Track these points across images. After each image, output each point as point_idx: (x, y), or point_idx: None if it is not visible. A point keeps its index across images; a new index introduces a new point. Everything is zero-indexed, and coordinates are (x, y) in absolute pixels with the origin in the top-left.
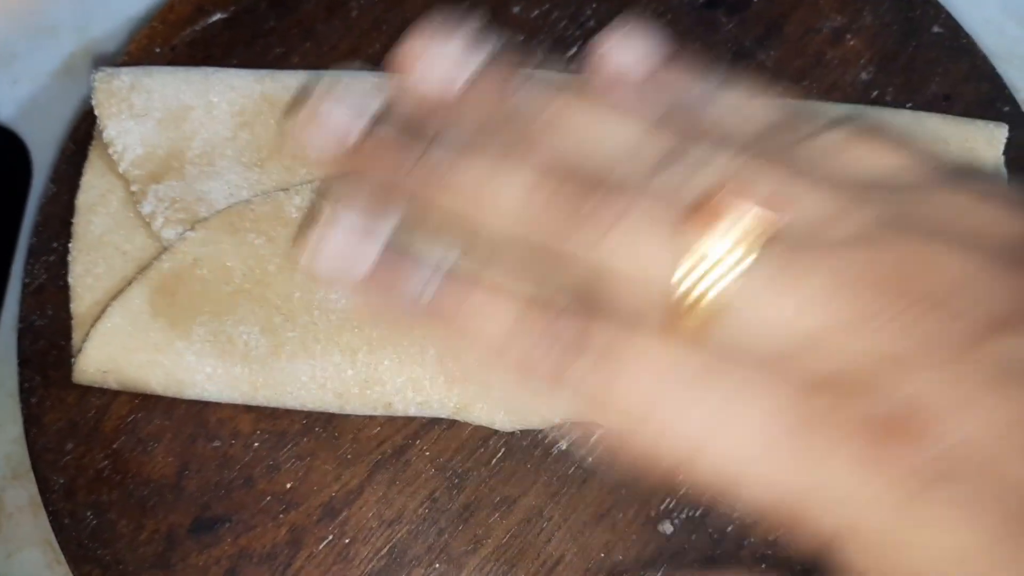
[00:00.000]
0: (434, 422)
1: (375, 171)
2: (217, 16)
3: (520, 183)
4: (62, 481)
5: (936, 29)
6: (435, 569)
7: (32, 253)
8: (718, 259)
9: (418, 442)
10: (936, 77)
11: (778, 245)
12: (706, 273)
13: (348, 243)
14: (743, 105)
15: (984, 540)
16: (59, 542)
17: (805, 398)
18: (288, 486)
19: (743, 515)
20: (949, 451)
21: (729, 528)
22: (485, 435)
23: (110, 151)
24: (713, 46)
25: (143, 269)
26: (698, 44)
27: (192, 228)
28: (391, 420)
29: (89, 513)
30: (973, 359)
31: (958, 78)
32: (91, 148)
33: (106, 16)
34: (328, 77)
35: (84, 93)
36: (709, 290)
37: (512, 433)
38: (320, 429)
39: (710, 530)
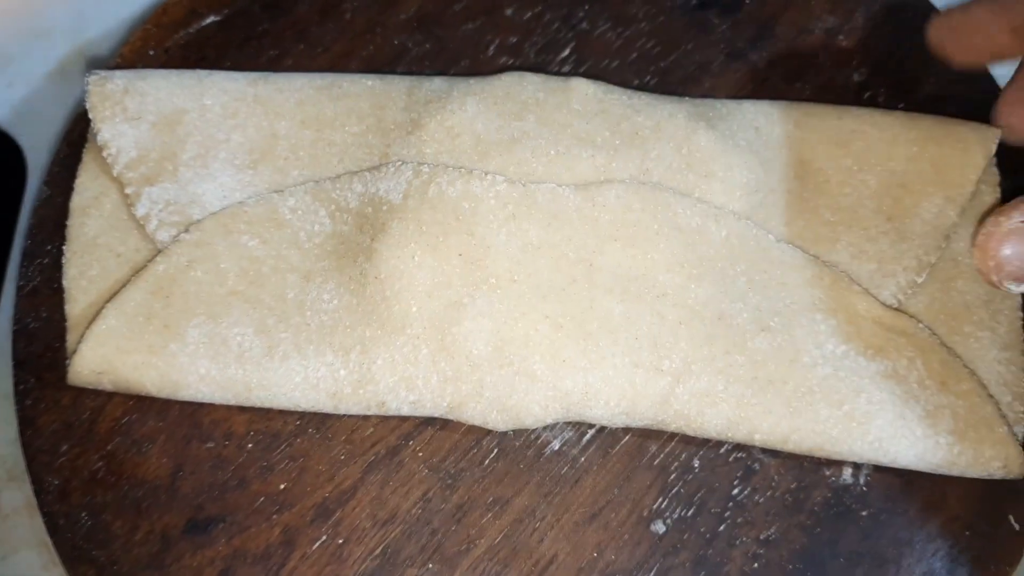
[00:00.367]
0: (427, 423)
1: None
2: (210, 19)
3: None
4: (57, 483)
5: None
6: (428, 569)
7: (26, 256)
8: None
9: (411, 443)
10: (928, 78)
11: None
12: None
13: None
14: None
15: None
16: (54, 543)
17: None
18: (282, 487)
19: (733, 514)
20: None
21: (721, 528)
22: (478, 435)
23: (104, 154)
24: (706, 47)
25: (137, 271)
26: (691, 45)
27: (186, 230)
28: (384, 421)
29: (84, 514)
30: None
31: (950, 79)
32: (85, 151)
33: (100, 19)
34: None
35: (78, 95)
36: None
37: (505, 433)
38: (313, 430)
39: (702, 529)
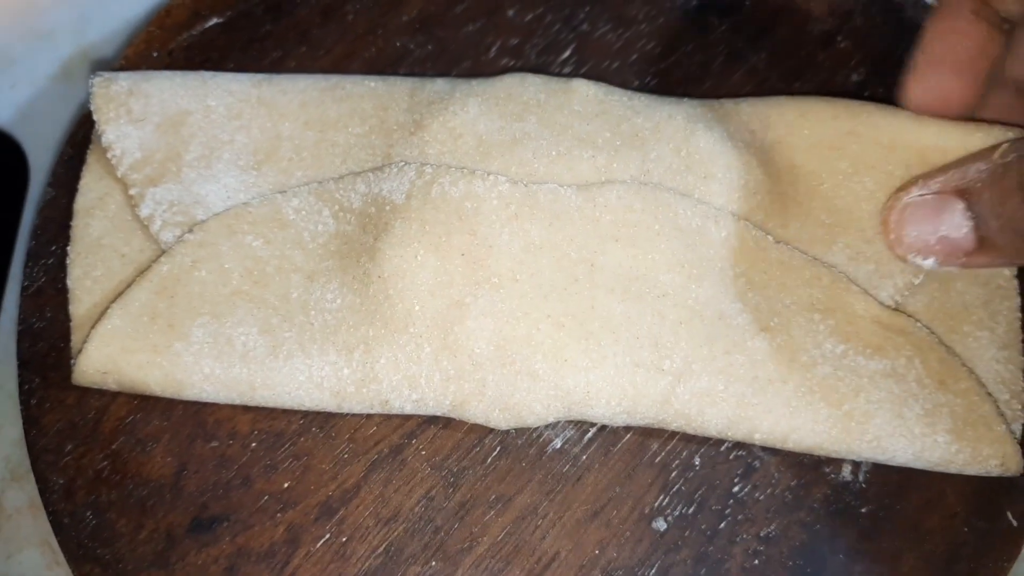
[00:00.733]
0: (430, 421)
1: None
2: (214, 21)
3: None
4: (61, 482)
5: None
6: (431, 567)
7: (31, 256)
8: None
9: (414, 441)
10: None
11: None
12: None
13: None
14: None
15: None
16: (59, 542)
17: None
18: (286, 485)
19: (735, 511)
20: None
21: (722, 525)
22: (480, 434)
23: (108, 155)
24: (706, 48)
25: (142, 271)
26: (691, 46)
27: (190, 231)
28: (387, 420)
29: (88, 513)
30: None
31: None
32: (89, 152)
33: (103, 21)
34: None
35: (82, 97)
36: None
37: (507, 432)
38: (317, 429)
39: (703, 526)
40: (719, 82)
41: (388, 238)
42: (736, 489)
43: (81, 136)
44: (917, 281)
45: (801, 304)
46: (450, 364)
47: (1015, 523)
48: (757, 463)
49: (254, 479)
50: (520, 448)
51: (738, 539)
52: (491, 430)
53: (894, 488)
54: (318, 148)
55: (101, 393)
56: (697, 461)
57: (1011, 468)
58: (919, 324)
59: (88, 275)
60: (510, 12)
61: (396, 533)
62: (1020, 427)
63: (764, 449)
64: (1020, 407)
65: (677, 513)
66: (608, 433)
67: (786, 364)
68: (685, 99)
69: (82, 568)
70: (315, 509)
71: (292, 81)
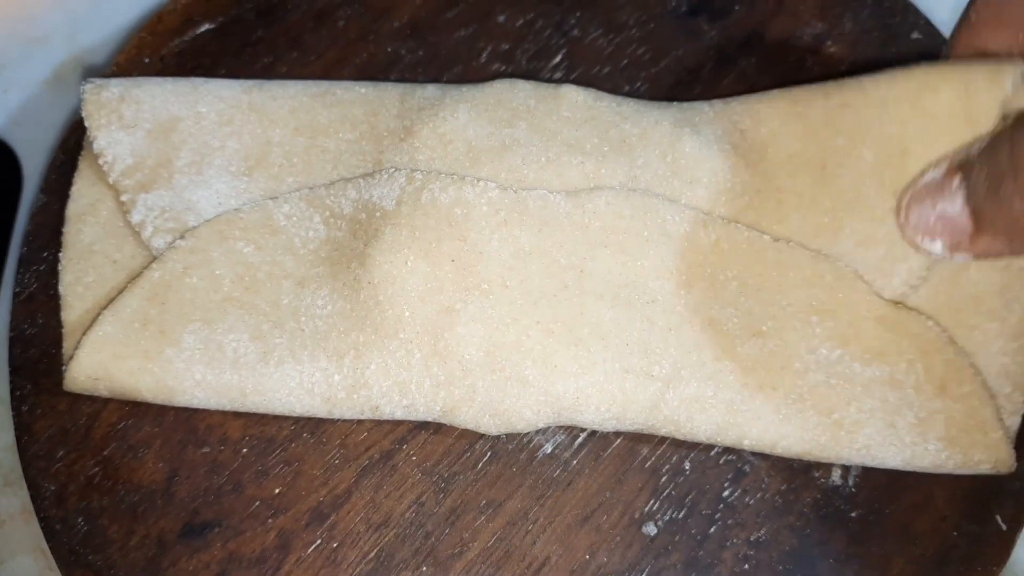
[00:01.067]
0: (420, 427)
1: None
2: (205, 27)
3: None
4: (53, 488)
5: (915, 35)
6: (422, 572)
7: (23, 262)
8: None
9: (405, 447)
10: None
11: None
12: None
13: None
14: None
15: None
16: (50, 548)
17: None
18: (277, 491)
19: (724, 516)
20: None
21: (712, 529)
22: (471, 439)
23: (100, 161)
24: (696, 53)
25: (133, 278)
26: (681, 51)
27: (181, 237)
28: (378, 425)
29: (80, 519)
30: None
31: None
32: (81, 158)
33: (96, 26)
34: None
35: (74, 102)
36: None
37: (498, 437)
38: (308, 435)
39: (693, 531)
40: (709, 87)
41: (378, 244)
42: (726, 494)
43: (73, 142)
44: (930, 265)
45: (799, 305)
46: (440, 370)
47: (1004, 527)
48: (747, 468)
49: (245, 485)
50: (511, 453)
51: (728, 544)
52: (482, 435)
53: (883, 492)
54: (309, 154)
55: (93, 399)
56: (687, 466)
57: (1002, 469)
58: (928, 322)
59: (80, 281)
60: (501, 18)
61: (387, 539)
62: (1019, 419)
63: (754, 454)
64: (1022, 399)
65: (667, 518)
66: (598, 438)
67: (777, 370)
68: (674, 104)
69: (74, 574)
70: (306, 515)
71: (283, 87)
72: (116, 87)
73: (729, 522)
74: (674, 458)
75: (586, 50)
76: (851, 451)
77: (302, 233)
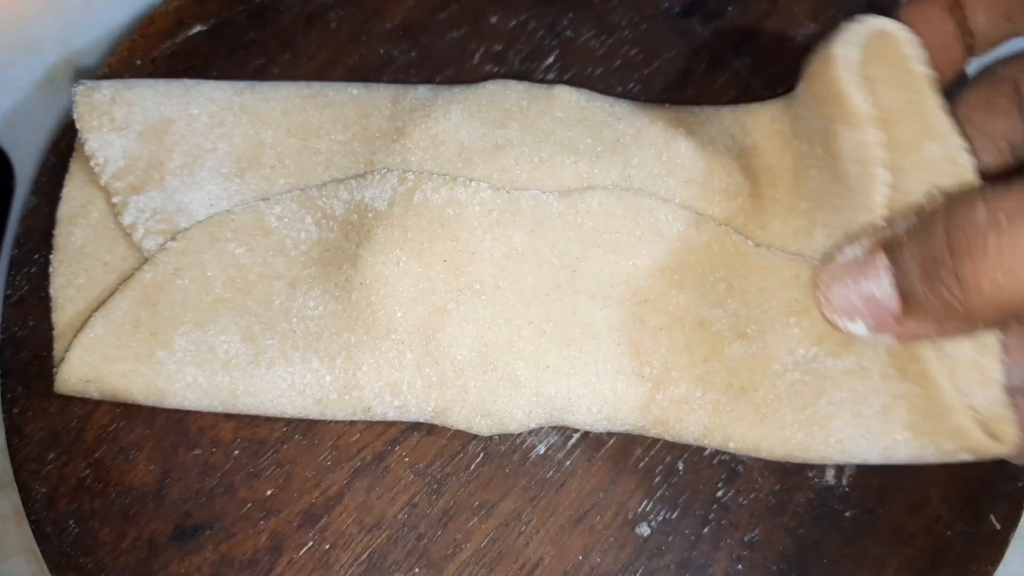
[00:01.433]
0: (413, 428)
1: None
2: (197, 28)
3: None
4: (44, 490)
5: None
6: (415, 574)
7: (13, 265)
8: None
9: (397, 448)
10: None
11: None
12: None
13: None
14: None
15: None
16: (41, 551)
17: None
18: (268, 493)
19: (717, 516)
20: None
21: (705, 530)
22: (464, 440)
23: (91, 163)
24: (689, 54)
25: (125, 280)
26: (674, 52)
27: (173, 239)
28: (370, 427)
29: (71, 522)
30: None
31: None
32: (72, 160)
33: (88, 29)
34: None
35: (66, 106)
36: None
37: (490, 438)
38: (300, 436)
39: (686, 531)
40: (702, 88)
41: (370, 245)
42: (720, 494)
43: (64, 144)
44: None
45: (779, 308)
46: (432, 371)
47: (998, 526)
48: (740, 468)
49: (237, 487)
50: (504, 454)
51: (722, 544)
52: (474, 436)
53: (877, 492)
54: (301, 156)
55: (84, 402)
56: (680, 466)
57: (985, 454)
58: None
59: (71, 284)
60: (493, 19)
61: (379, 540)
62: (984, 397)
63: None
64: (976, 376)
65: (661, 518)
66: (592, 439)
67: (759, 373)
68: (667, 105)
69: None
70: (298, 516)
71: (274, 89)
72: (107, 89)
73: (723, 522)
74: (667, 459)
75: (579, 51)
76: (828, 447)
77: (294, 234)
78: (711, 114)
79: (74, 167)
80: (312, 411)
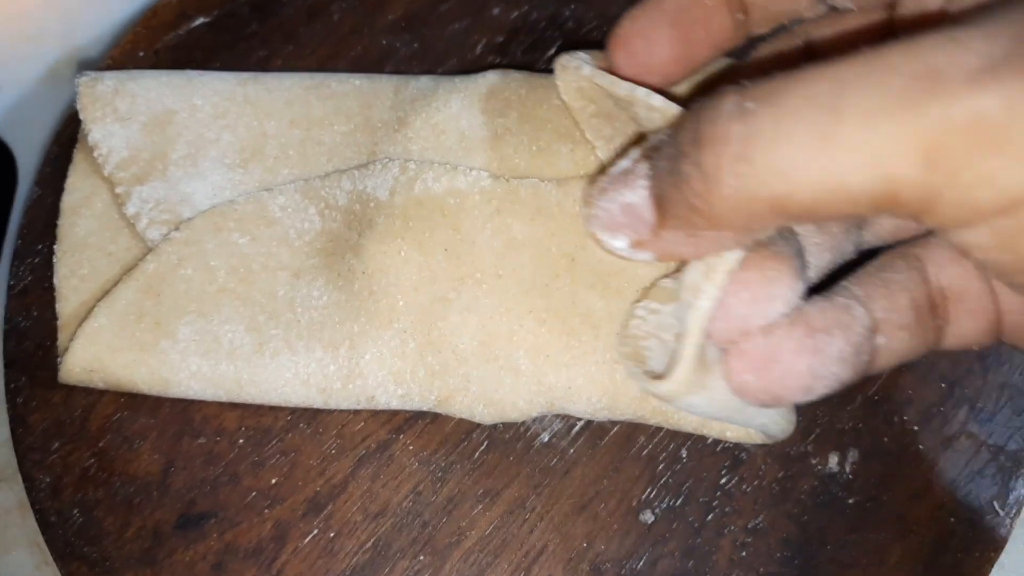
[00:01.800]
0: (417, 416)
1: None
2: (200, 20)
3: None
4: (48, 480)
5: None
6: (420, 561)
7: (17, 255)
8: None
9: (402, 436)
10: None
11: None
12: None
13: None
14: None
15: None
16: (46, 540)
17: None
18: (273, 481)
19: (722, 502)
20: None
21: (709, 517)
22: (468, 428)
23: (95, 154)
24: None
25: (128, 270)
26: None
27: (176, 229)
28: (375, 415)
29: (75, 511)
30: None
31: None
32: (75, 151)
33: (91, 23)
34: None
35: (69, 99)
36: None
37: (494, 426)
38: (304, 425)
39: (690, 519)
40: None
41: (372, 234)
42: (723, 481)
43: (67, 135)
44: None
45: None
46: (435, 359)
47: (1001, 513)
48: (744, 455)
49: (241, 476)
50: (508, 442)
51: (726, 531)
52: (478, 425)
53: (880, 479)
54: (304, 146)
55: (88, 391)
56: (684, 454)
57: (650, 391)
58: None
59: (74, 274)
60: (495, 10)
61: (384, 528)
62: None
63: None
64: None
65: (665, 506)
66: (595, 427)
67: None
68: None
69: (69, 566)
70: (303, 505)
71: (277, 80)
72: (111, 80)
73: (726, 509)
74: (671, 446)
75: (581, 42)
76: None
77: (297, 224)
78: None
79: (78, 158)
80: (316, 400)
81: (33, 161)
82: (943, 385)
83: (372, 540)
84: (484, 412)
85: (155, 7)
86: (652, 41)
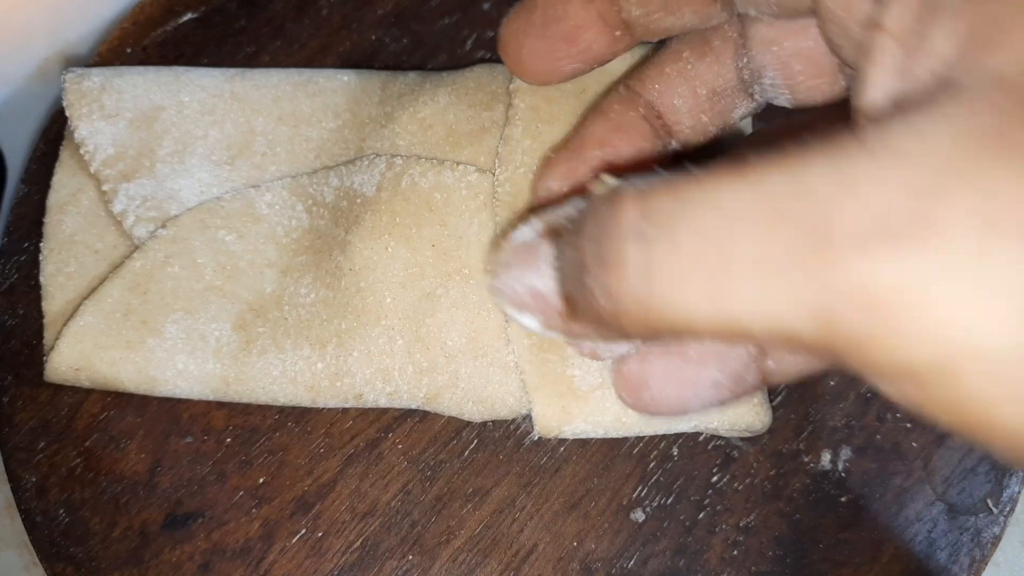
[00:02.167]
0: (406, 415)
1: None
2: (188, 16)
3: None
4: (34, 479)
5: None
6: (408, 561)
7: (3, 253)
8: None
9: (391, 435)
10: None
11: None
12: None
13: None
14: None
15: None
16: (32, 541)
17: None
18: (261, 481)
19: (713, 501)
20: None
21: (700, 515)
22: (457, 427)
23: (81, 151)
24: None
25: (115, 267)
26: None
27: (163, 226)
28: (364, 414)
29: (62, 511)
30: None
31: None
32: (62, 148)
33: (80, 20)
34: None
35: (57, 96)
36: None
37: (484, 424)
38: (292, 424)
39: (681, 517)
40: None
41: (359, 231)
42: (715, 479)
43: (54, 132)
44: None
45: None
46: (423, 356)
47: (994, 510)
48: (735, 453)
49: (229, 475)
50: (497, 441)
51: (717, 529)
52: (468, 423)
53: (873, 476)
54: (292, 143)
55: (74, 390)
56: (675, 452)
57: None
58: None
59: (61, 271)
60: (485, 5)
61: (372, 528)
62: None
63: (743, 439)
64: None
65: (656, 504)
66: None
67: None
68: None
69: (55, 567)
70: (291, 504)
71: (265, 76)
72: (97, 76)
73: (718, 508)
74: (662, 444)
75: None
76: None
77: (285, 222)
78: None
79: (64, 155)
80: (304, 398)
81: (20, 157)
82: None
83: (360, 540)
84: (473, 409)
85: (143, 3)
86: (523, 48)
